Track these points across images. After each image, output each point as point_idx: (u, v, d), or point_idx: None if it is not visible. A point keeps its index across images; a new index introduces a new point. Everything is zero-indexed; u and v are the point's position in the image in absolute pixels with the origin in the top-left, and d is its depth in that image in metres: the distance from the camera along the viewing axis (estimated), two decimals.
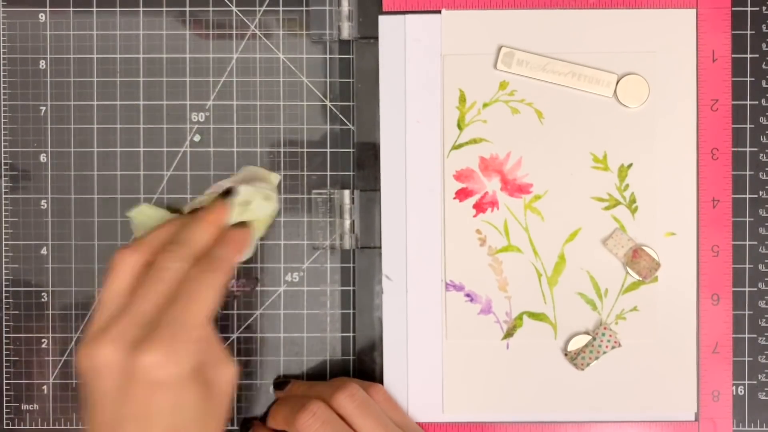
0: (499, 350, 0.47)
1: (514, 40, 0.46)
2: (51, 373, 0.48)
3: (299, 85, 0.48)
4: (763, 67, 0.47)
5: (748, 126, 0.47)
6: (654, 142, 0.46)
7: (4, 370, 0.48)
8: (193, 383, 0.37)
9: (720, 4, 0.46)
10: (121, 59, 0.48)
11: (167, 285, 0.38)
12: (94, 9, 0.48)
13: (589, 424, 0.46)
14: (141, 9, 0.48)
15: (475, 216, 0.47)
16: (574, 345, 0.46)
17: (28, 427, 0.48)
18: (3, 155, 0.48)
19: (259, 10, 0.48)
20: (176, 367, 0.36)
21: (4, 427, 0.48)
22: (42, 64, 0.48)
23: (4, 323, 0.48)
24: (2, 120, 0.48)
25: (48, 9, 0.48)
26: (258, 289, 0.48)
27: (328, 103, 0.48)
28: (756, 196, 0.47)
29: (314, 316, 0.48)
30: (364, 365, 0.47)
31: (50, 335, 0.48)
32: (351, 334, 0.48)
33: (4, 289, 0.48)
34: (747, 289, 0.47)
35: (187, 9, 0.48)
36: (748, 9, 0.47)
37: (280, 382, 0.47)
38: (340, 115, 0.48)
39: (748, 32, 0.47)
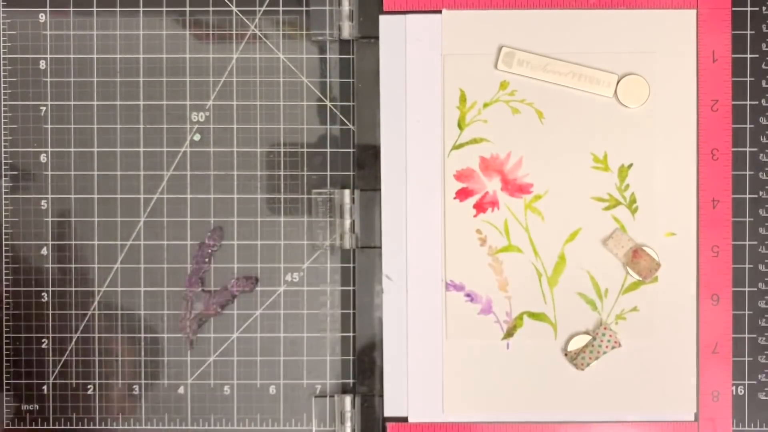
0: (499, 350, 0.47)
1: (514, 40, 0.46)
2: (51, 373, 0.48)
3: (299, 85, 0.48)
4: (763, 67, 0.47)
5: (748, 126, 0.47)
6: (654, 142, 0.46)
7: (4, 370, 0.48)
8: None
9: (720, 4, 0.46)
10: (121, 59, 0.48)
11: None
12: (94, 9, 0.48)
13: (589, 424, 0.47)
14: (141, 9, 0.48)
15: (475, 216, 0.47)
16: (574, 345, 0.46)
17: (28, 427, 0.48)
18: (3, 155, 0.48)
19: (259, 11, 0.48)
20: None
21: (4, 427, 0.48)
22: (42, 64, 0.48)
23: (4, 323, 0.48)
24: (2, 120, 0.48)
25: (48, 9, 0.48)
26: (258, 289, 0.48)
27: (328, 103, 0.48)
28: (756, 196, 0.47)
29: (314, 316, 0.48)
30: (364, 365, 0.47)
31: (50, 335, 0.48)
32: (351, 334, 0.48)
33: (4, 289, 0.48)
34: (747, 289, 0.47)
35: (187, 9, 0.48)
36: (748, 9, 0.47)
37: None
38: (340, 115, 0.48)
39: (748, 32, 0.47)
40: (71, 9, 0.48)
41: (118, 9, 0.48)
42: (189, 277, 0.48)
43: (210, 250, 0.48)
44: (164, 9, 0.48)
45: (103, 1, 0.48)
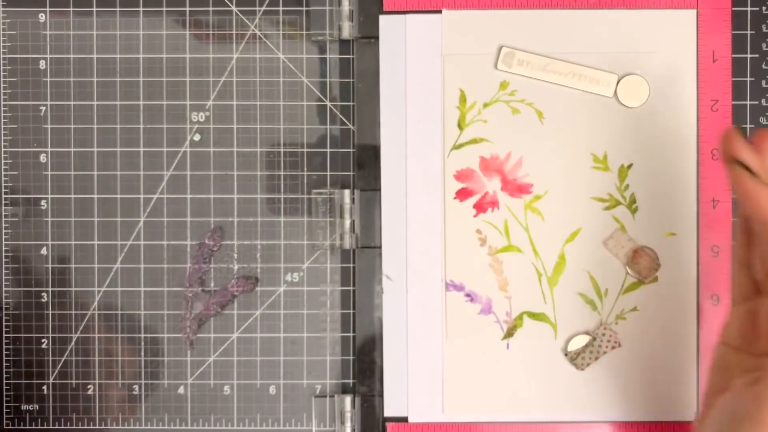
0: (499, 350, 0.47)
1: (514, 40, 0.46)
2: (51, 373, 0.48)
3: (299, 85, 0.48)
4: (763, 67, 0.47)
5: (748, 126, 0.47)
6: (654, 142, 0.46)
7: (4, 370, 0.48)
8: None
9: (720, 4, 0.46)
10: (121, 59, 0.48)
11: None
12: (94, 9, 0.48)
13: (589, 424, 0.47)
14: (141, 9, 0.48)
15: (475, 216, 0.47)
16: (574, 345, 0.46)
17: (28, 427, 0.48)
18: (3, 155, 0.48)
19: (259, 11, 0.48)
20: None
21: (4, 427, 0.48)
22: (42, 64, 0.48)
23: (4, 323, 0.48)
24: (2, 120, 0.48)
25: (48, 9, 0.48)
26: (258, 289, 0.48)
27: (328, 103, 0.48)
28: None
29: (314, 316, 0.48)
30: (364, 365, 0.47)
31: (50, 335, 0.48)
32: (351, 334, 0.48)
33: (4, 289, 0.48)
34: None
35: (187, 9, 0.48)
36: (748, 9, 0.47)
37: None
38: (340, 115, 0.48)
39: (748, 32, 0.47)
40: (71, 9, 0.48)
41: (118, 9, 0.48)
42: (189, 277, 0.48)
43: (210, 250, 0.48)
44: (164, 9, 0.48)
45: (103, 1, 0.48)
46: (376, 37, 0.47)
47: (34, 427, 0.48)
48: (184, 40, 0.48)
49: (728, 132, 0.37)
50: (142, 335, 0.48)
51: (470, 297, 0.47)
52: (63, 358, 0.48)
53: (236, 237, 0.48)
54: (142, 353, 0.48)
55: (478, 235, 0.47)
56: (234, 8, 0.48)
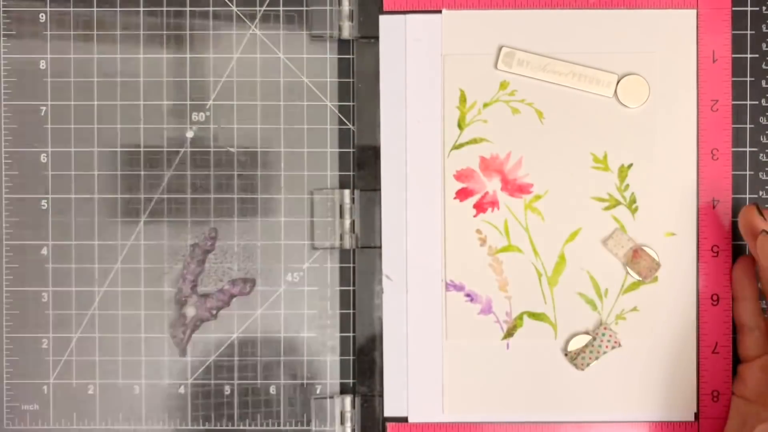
0: (499, 350, 0.47)
1: (514, 40, 0.46)
2: (51, 373, 0.48)
3: (299, 85, 0.48)
4: (763, 67, 0.47)
5: (748, 126, 0.47)
6: (654, 142, 0.46)
7: (5, 370, 0.48)
8: None
9: (720, 4, 0.46)
10: (121, 59, 0.48)
11: None
12: (95, 9, 0.48)
13: (589, 424, 0.47)
14: (141, 9, 0.48)
15: (475, 216, 0.47)
16: (574, 345, 0.46)
17: (28, 427, 0.48)
18: (3, 155, 0.48)
19: (259, 10, 0.48)
20: None
21: (4, 427, 0.48)
22: (42, 64, 0.48)
23: (4, 323, 0.48)
24: (2, 120, 0.48)
25: (48, 9, 0.48)
26: (258, 288, 0.48)
27: (328, 103, 0.48)
28: (756, 196, 0.47)
29: (314, 316, 0.48)
30: (364, 365, 0.47)
31: (50, 335, 0.48)
32: (351, 334, 0.48)
33: (4, 289, 0.48)
34: None
35: (187, 9, 0.48)
36: (748, 9, 0.47)
37: None
38: (340, 115, 0.48)
39: (748, 32, 0.47)
40: (71, 9, 0.48)
41: (118, 9, 0.48)
42: (183, 280, 0.48)
43: (203, 250, 0.48)
44: (164, 9, 0.48)
45: (104, 1, 0.48)
46: (376, 37, 0.47)
47: (34, 427, 0.48)
48: (184, 39, 0.48)
49: (746, 209, 0.43)
50: (142, 335, 0.48)
51: (470, 297, 0.47)
52: (63, 358, 0.48)
53: (236, 237, 0.48)
54: (142, 353, 0.48)
55: (478, 235, 0.47)
56: (234, 8, 0.48)
